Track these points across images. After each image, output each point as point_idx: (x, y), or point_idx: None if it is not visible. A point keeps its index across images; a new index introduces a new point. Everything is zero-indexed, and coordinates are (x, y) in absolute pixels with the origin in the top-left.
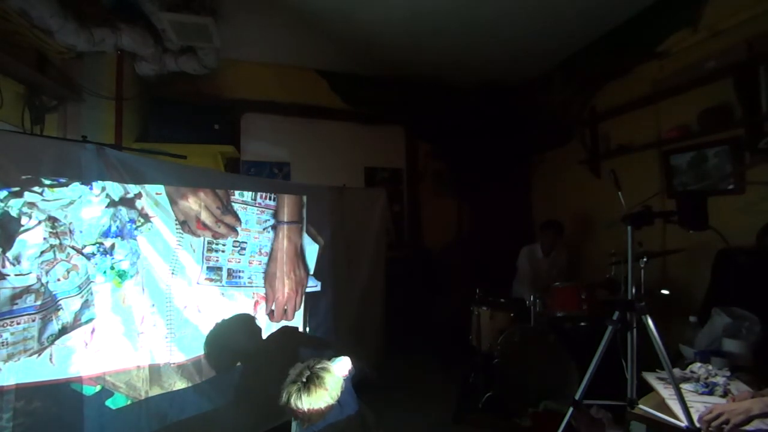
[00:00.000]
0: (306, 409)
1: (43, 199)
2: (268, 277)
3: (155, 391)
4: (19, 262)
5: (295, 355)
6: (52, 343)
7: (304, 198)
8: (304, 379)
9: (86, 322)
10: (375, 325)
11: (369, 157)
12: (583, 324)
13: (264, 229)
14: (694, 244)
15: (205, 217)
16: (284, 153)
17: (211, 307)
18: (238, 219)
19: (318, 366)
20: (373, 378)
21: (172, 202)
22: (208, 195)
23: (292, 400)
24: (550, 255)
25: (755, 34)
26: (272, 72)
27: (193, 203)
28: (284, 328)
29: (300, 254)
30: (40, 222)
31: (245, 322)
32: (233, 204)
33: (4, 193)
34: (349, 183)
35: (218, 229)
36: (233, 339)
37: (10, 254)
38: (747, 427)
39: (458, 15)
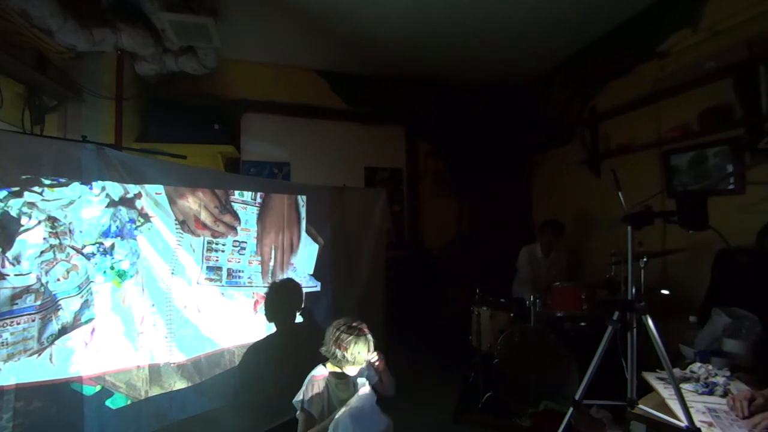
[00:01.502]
0: (343, 343)
1: (43, 199)
2: (260, 246)
3: (155, 391)
4: (19, 262)
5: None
6: (51, 343)
7: (304, 198)
8: (351, 324)
9: (86, 322)
10: (375, 325)
11: (369, 157)
12: (583, 324)
13: None
14: (694, 244)
15: (204, 216)
16: (284, 153)
17: (211, 306)
18: (237, 218)
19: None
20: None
21: (171, 202)
22: (206, 194)
23: (333, 330)
24: (550, 255)
25: (755, 34)
26: (272, 72)
27: (191, 203)
28: (312, 331)
29: (288, 221)
30: (39, 222)
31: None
32: (233, 203)
33: (4, 193)
34: (349, 183)
35: (217, 228)
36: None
37: (10, 254)
38: (746, 427)
39: (458, 15)
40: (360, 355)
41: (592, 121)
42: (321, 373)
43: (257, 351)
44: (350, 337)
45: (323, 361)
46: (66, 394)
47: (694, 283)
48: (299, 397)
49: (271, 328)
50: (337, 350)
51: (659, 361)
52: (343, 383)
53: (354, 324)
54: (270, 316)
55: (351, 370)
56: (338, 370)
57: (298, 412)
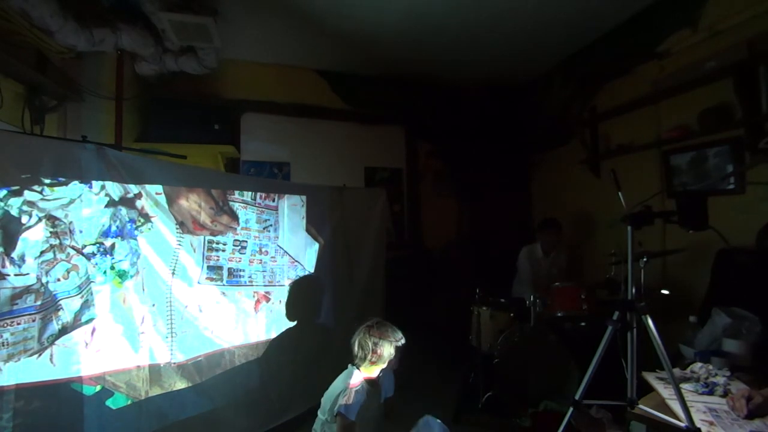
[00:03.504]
0: (372, 344)
1: (43, 198)
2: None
3: (155, 391)
4: (24, 262)
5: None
6: (52, 343)
7: (304, 197)
8: (373, 323)
9: (86, 322)
10: None
11: (369, 157)
12: (583, 324)
13: (264, 228)
14: (694, 244)
15: (201, 218)
16: (284, 153)
17: (212, 306)
18: (234, 218)
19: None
20: None
21: (170, 203)
22: (201, 196)
23: (360, 335)
24: (549, 255)
25: (755, 34)
26: (272, 72)
27: (188, 204)
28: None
29: None
30: (40, 219)
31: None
32: (233, 203)
33: (4, 192)
34: (349, 183)
35: (215, 227)
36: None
37: (15, 254)
38: (747, 427)
39: (458, 15)
40: (387, 349)
41: (592, 121)
42: (358, 379)
43: (280, 347)
44: (379, 331)
45: (353, 364)
46: (66, 394)
47: (694, 283)
48: (341, 401)
49: (279, 326)
50: (374, 354)
51: (659, 361)
52: (374, 390)
53: (374, 320)
54: (291, 313)
55: (378, 371)
56: (371, 375)
57: (326, 417)
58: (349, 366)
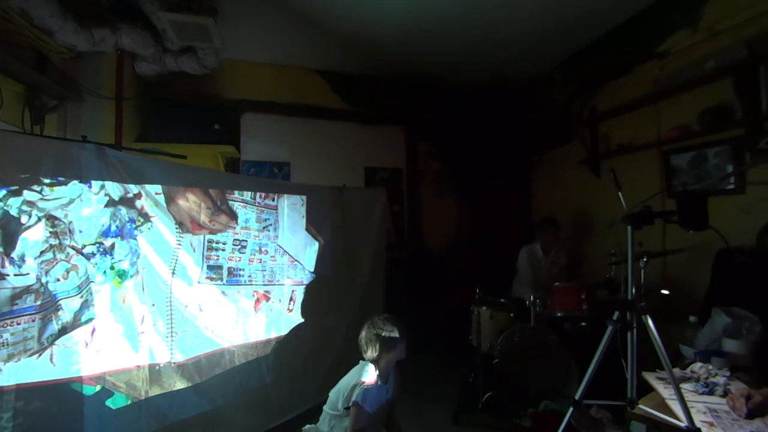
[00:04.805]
0: (364, 335)
1: (42, 198)
2: None
3: (155, 391)
4: (24, 262)
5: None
6: (52, 343)
7: (304, 197)
8: (374, 317)
9: (86, 322)
10: None
11: (369, 157)
12: (583, 324)
13: (264, 228)
14: (694, 244)
15: (201, 217)
16: (284, 153)
17: (212, 306)
18: (232, 217)
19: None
20: None
21: (168, 203)
22: (198, 195)
23: (367, 326)
24: (549, 254)
25: (755, 34)
26: (272, 72)
27: (188, 204)
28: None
29: None
30: (39, 219)
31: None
32: (232, 202)
33: (4, 192)
34: (349, 183)
35: (213, 226)
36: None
37: (15, 254)
38: (747, 427)
39: (459, 15)
40: (374, 345)
41: (592, 121)
42: (373, 373)
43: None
44: (387, 323)
45: (365, 361)
46: (66, 394)
47: (694, 283)
48: (358, 392)
49: (279, 326)
50: (361, 342)
51: (659, 361)
52: (383, 387)
53: (380, 317)
54: (304, 313)
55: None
56: (380, 371)
57: (338, 411)
58: (361, 362)
